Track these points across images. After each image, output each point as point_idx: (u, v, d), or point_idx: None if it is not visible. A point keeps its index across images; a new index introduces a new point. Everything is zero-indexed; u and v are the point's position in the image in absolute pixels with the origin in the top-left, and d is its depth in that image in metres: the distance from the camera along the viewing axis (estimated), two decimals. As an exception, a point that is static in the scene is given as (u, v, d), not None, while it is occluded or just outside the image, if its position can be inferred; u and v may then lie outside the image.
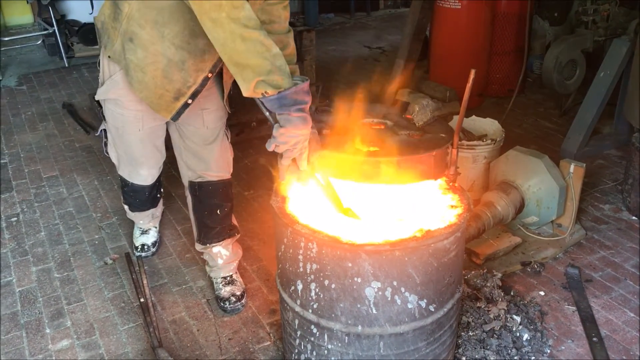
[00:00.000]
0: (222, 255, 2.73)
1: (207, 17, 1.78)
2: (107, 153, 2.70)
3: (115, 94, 2.33)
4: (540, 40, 5.03)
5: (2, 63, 5.94)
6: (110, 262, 3.03)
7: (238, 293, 2.70)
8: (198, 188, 2.60)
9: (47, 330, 2.60)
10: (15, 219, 3.43)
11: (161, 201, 3.10)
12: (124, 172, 2.70)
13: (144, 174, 2.67)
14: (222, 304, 2.68)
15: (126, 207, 2.95)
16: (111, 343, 2.52)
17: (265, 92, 1.79)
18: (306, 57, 4.45)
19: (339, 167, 1.92)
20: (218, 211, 2.64)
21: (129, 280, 2.85)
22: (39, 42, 6.53)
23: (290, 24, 4.65)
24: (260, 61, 1.78)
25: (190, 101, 2.24)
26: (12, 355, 2.47)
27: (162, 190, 3.01)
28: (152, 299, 2.73)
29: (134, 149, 2.53)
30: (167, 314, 2.68)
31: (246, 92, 1.84)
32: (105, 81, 2.32)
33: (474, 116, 3.55)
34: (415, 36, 4.55)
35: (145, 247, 3.07)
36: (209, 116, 2.45)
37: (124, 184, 2.78)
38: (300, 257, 1.92)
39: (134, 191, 2.79)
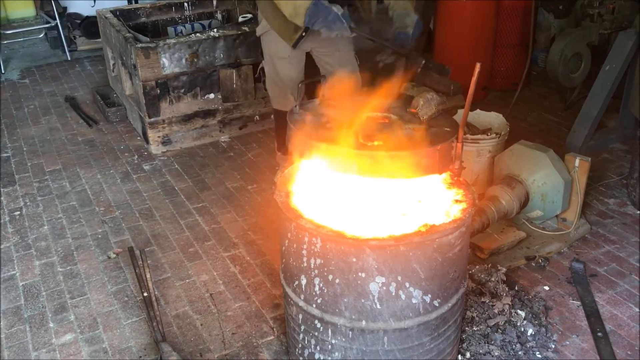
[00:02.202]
0: None
1: None
2: (266, 89, 3.45)
3: (267, 27, 3.11)
4: (545, 33, 4.99)
5: (5, 56, 5.93)
6: (113, 256, 3.03)
7: None
8: None
9: (51, 325, 2.60)
10: (19, 212, 3.43)
11: None
12: (278, 103, 3.34)
13: (292, 99, 3.20)
14: None
15: (280, 153, 3.53)
16: (114, 337, 2.52)
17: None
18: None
19: (343, 161, 1.91)
20: None
21: (132, 274, 2.85)
22: (42, 35, 6.52)
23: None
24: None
25: (304, 34, 2.94)
26: (16, 349, 2.47)
27: None
28: (156, 293, 2.73)
29: (285, 74, 3.22)
30: (170, 308, 2.68)
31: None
32: (262, 19, 3.13)
33: (478, 110, 3.53)
34: (419, 29, 4.51)
35: None
36: (341, 40, 3.09)
37: (279, 116, 3.35)
38: (304, 251, 1.92)
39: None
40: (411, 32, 2.74)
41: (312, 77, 2.59)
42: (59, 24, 5.98)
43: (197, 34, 4.09)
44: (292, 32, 3.00)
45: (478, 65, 1.87)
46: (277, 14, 2.93)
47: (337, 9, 2.66)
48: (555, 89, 4.81)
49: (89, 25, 6.06)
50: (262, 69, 3.42)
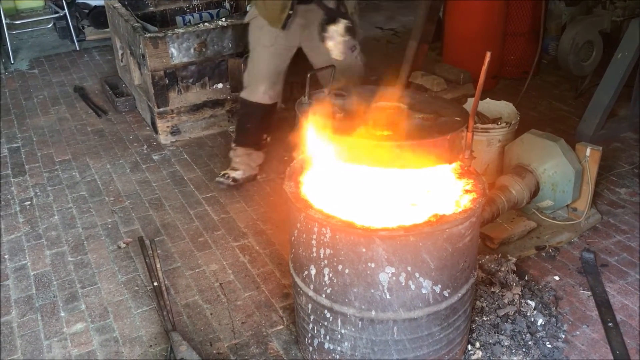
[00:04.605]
0: None
1: None
2: (244, 79, 3.35)
3: (254, 14, 3.06)
4: (555, 21, 4.94)
5: (14, 47, 5.94)
6: (123, 246, 3.04)
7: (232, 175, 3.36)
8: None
9: (62, 314, 2.62)
10: (29, 202, 3.45)
11: (260, 154, 3.53)
12: (246, 91, 3.28)
13: (262, 90, 3.20)
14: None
15: (234, 144, 3.51)
16: (125, 326, 2.54)
17: None
18: (318, 39, 4.41)
19: (352, 151, 1.90)
20: None
21: (142, 264, 2.86)
22: (50, 25, 6.52)
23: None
24: None
25: (291, 11, 2.87)
26: (28, 338, 2.49)
27: (269, 137, 3.52)
28: (166, 282, 2.74)
29: (261, 63, 3.16)
30: (180, 297, 2.69)
31: None
32: (252, 6, 3.10)
33: (488, 99, 3.50)
34: (428, 17, 4.48)
35: (226, 175, 3.43)
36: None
37: (243, 105, 3.37)
38: (314, 242, 1.92)
39: (251, 112, 3.32)
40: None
41: (319, 69, 2.60)
42: (67, 13, 5.98)
43: (206, 24, 4.07)
44: (278, 12, 2.92)
45: (488, 54, 1.85)
46: None
47: None
48: (566, 77, 4.77)
49: (97, 15, 6.05)
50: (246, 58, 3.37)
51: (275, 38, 3.06)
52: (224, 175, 3.44)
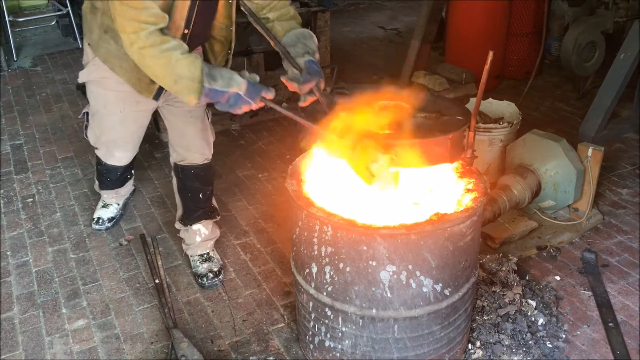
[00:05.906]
0: (200, 234, 2.80)
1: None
2: (87, 136, 2.84)
3: (98, 75, 2.45)
4: (558, 21, 4.93)
5: (17, 44, 5.95)
6: (125, 243, 3.05)
7: (215, 269, 2.76)
8: (181, 171, 2.72)
9: (64, 310, 2.63)
10: (31, 199, 3.45)
11: (131, 181, 3.22)
12: (100, 152, 2.87)
13: (118, 156, 2.82)
14: (199, 280, 2.74)
15: (97, 182, 3.18)
16: (126, 323, 2.55)
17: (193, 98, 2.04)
18: (321, 39, 4.39)
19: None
20: (200, 195, 2.75)
21: (144, 261, 2.87)
22: (53, 22, 6.53)
23: (305, 4, 4.63)
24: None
25: None
26: (30, 334, 2.50)
27: (133, 172, 3.18)
28: (167, 280, 2.75)
29: (114, 131, 2.65)
30: (181, 295, 2.70)
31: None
32: (89, 63, 2.46)
33: (490, 98, 3.50)
34: (431, 17, 4.48)
35: (100, 220, 3.16)
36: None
37: (99, 162, 2.98)
38: (315, 240, 1.92)
39: (107, 170, 3.00)
40: (317, 57, 2.13)
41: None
42: (70, 11, 5.99)
43: (208, 22, 4.07)
44: (147, 82, 2.32)
45: (491, 54, 1.85)
46: (127, 57, 2.12)
47: (237, 85, 1.97)
48: (568, 77, 4.77)
49: (100, 13, 6.06)
50: (87, 113, 2.77)
51: (124, 101, 2.50)
52: (97, 220, 3.15)
